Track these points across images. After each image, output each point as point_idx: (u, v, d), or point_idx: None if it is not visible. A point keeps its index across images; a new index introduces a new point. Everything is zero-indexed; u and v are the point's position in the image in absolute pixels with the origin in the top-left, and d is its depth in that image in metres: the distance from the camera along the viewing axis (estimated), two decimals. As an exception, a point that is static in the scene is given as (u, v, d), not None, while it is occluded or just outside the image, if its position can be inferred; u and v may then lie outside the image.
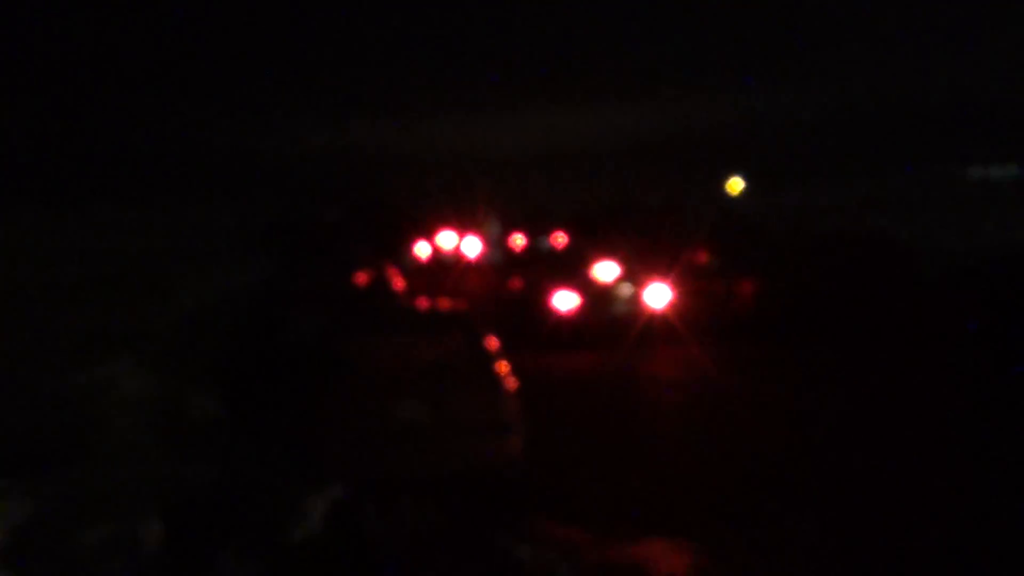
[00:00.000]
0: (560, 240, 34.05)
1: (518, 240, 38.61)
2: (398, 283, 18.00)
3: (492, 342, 9.52)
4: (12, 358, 15.11)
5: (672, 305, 19.28)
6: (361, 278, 17.41)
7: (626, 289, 19.34)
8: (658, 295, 19.28)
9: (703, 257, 23.35)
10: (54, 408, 11.73)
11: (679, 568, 7.62)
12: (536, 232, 37.68)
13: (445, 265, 36.02)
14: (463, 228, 40.08)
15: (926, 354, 17.48)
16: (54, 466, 9.90)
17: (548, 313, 19.16)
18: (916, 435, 12.02)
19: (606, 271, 19.59)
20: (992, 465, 10.43)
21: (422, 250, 35.98)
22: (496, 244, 39.56)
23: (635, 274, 19.54)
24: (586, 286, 19.34)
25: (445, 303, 12.66)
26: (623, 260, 19.93)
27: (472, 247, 38.80)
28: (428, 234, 37.80)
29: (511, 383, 9.21)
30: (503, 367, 9.29)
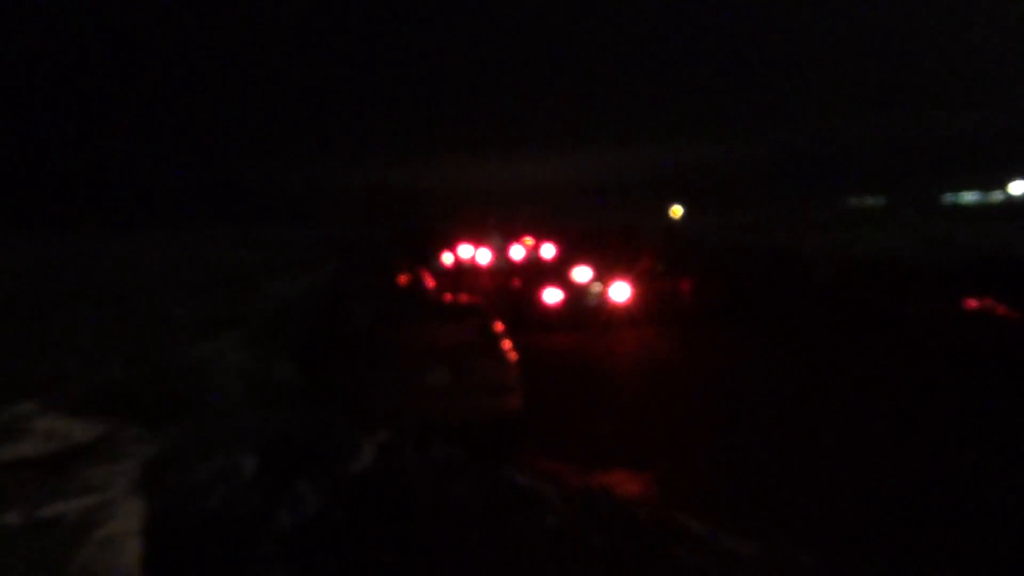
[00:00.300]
0: (549, 251, 33.94)
1: (517, 251, 38.64)
2: (429, 283, 17.96)
3: (499, 326, 9.51)
4: (147, 337, 15.08)
5: (631, 299, 19.33)
6: (401, 279, 17.39)
7: (596, 287, 19.36)
8: (620, 291, 19.32)
9: (653, 263, 23.38)
10: (178, 374, 11.70)
11: (635, 489, 7.59)
12: (532, 245, 37.72)
13: (464, 270, 36.04)
14: (477, 242, 40.14)
15: (815, 332, 17.58)
16: (177, 417, 9.87)
17: (540, 305, 19.18)
18: (807, 382, 12.16)
19: (582, 274, 19.62)
20: (854, 396, 10.46)
21: (446, 259, 35.96)
22: (501, 254, 39.61)
23: (603, 276, 19.56)
24: (567, 285, 19.37)
25: (464, 298, 12.61)
26: (594, 266, 19.94)
27: (484, 256, 38.86)
28: (451, 247, 37.84)
29: (513, 356, 9.20)
30: (507, 344, 9.27)
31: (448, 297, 15.62)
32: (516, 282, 22.89)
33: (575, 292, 19.22)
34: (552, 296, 19.12)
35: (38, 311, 17.45)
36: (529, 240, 38.49)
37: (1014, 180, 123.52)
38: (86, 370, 12.19)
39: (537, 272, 21.65)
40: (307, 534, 6.47)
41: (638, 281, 20.01)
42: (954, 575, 5.52)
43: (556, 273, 20.17)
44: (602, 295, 19.21)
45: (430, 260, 32.83)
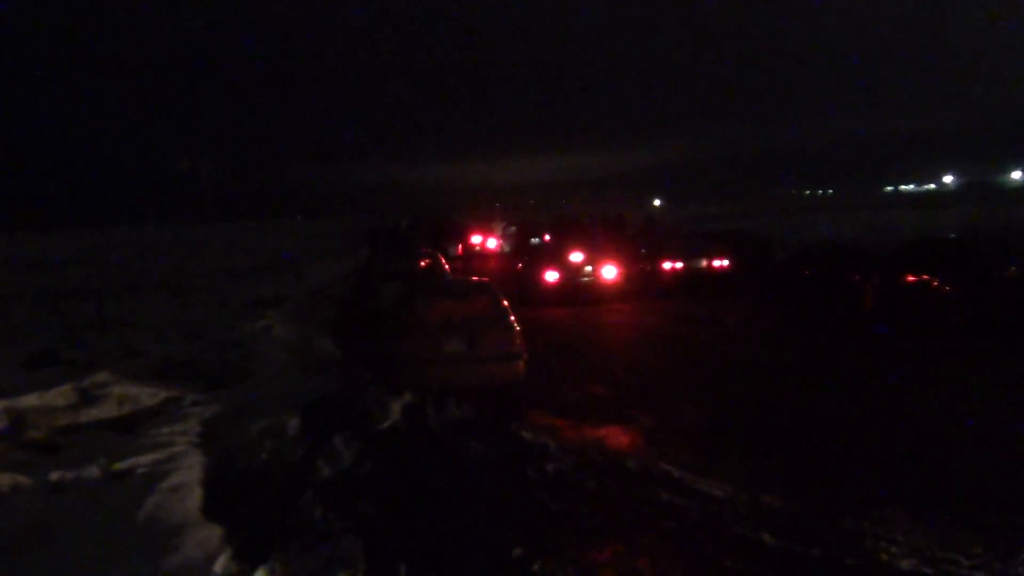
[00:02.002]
0: (547, 238, 33.88)
1: (519, 238, 38.63)
2: (445, 266, 17.91)
3: (505, 302, 9.46)
4: (207, 315, 15.09)
5: (618, 277, 19.29)
6: (423, 262, 17.34)
7: (589, 268, 19.28)
8: (609, 272, 19.27)
9: (637, 247, 23.30)
10: (230, 347, 11.71)
11: (624, 442, 7.56)
12: (531, 233, 37.68)
13: (474, 255, 36.03)
14: (485, 231, 40.10)
15: (776, 303, 17.58)
16: (230, 383, 9.87)
17: (540, 283, 19.13)
18: (771, 344, 12.09)
19: (577, 257, 19.52)
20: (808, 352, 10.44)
21: (460, 245, 35.95)
22: (506, 241, 39.57)
23: (595, 258, 19.49)
24: (564, 266, 19.28)
25: (475, 278, 12.56)
26: (587, 250, 19.87)
27: (492, 243, 38.82)
28: (464, 235, 37.80)
29: (518, 327, 9.15)
30: (513, 317, 9.23)
31: (462, 277, 15.61)
32: (519, 264, 22.82)
33: (570, 272, 19.16)
34: (551, 276, 19.07)
35: (111, 295, 17.46)
36: (529, 228, 38.48)
37: (946, 173, 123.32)
38: (152, 344, 12.20)
39: (537, 256, 21.54)
40: (343, 483, 6.47)
41: (624, 263, 19.99)
42: (903, 506, 5.49)
43: (554, 256, 20.07)
44: (593, 275, 19.16)
45: (445, 246, 32.83)
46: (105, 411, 8.57)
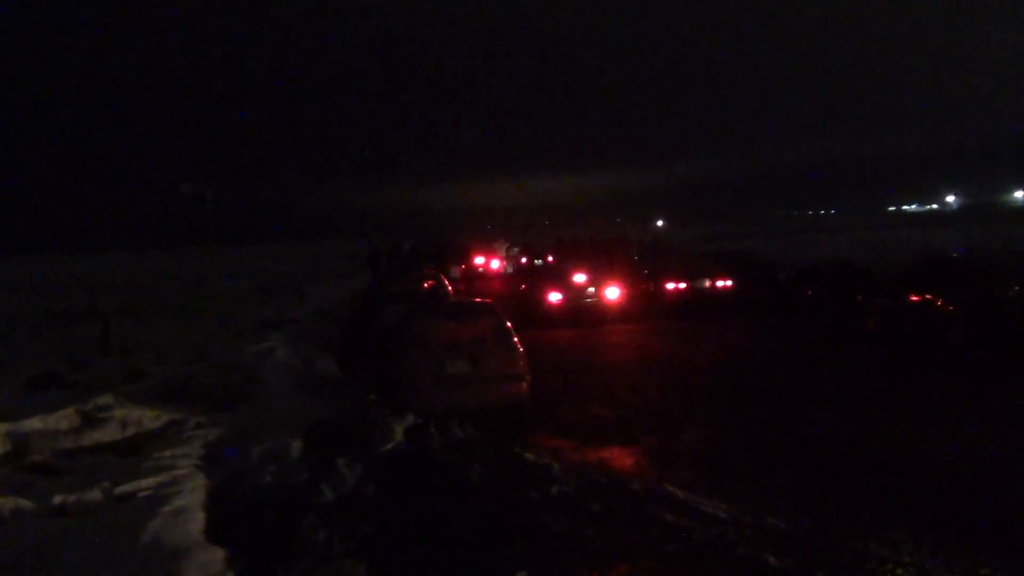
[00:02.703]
0: (550, 259, 33.91)
1: (523, 259, 38.69)
2: (448, 287, 17.93)
3: (509, 323, 9.47)
4: (209, 337, 15.09)
5: (621, 298, 19.28)
6: (426, 284, 17.35)
7: (592, 289, 19.28)
8: (612, 293, 19.27)
9: (639, 268, 23.31)
10: (235, 369, 11.71)
11: (627, 463, 7.54)
12: (535, 255, 37.75)
13: (477, 276, 36.05)
14: (489, 253, 40.15)
15: (781, 323, 17.53)
16: (234, 405, 9.87)
17: (544, 304, 19.14)
18: (776, 365, 12.06)
19: (580, 278, 19.53)
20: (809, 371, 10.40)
21: (463, 267, 35.95)
22: (509, 263, 39.65)
23: (598, 279, 19.49)
24: (567, 287, 19.29)
25: (479, 299, 12.57)
26: (590, 271, 19.88)
27: (495, 264, 38.88)
28: (467, 257, 37.85)
29: (521, 348, 9.15)
30: (516, 339, 9.23)
31: (465, 299, 15.62)
32: (523, 286, 22.85)
33: (574, 293, 19.16)
34: (554, 297, 19.07)
35: (115, 318, 17.49)
36: (533, 251, 38.56)
37: (948, 193, 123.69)
38: (155, 367, 12.21)
39: (540, 277, 21.56)
40: (346, 505, 6.45)
41: (627, 284, 19.99)
42: (908, 527, 5.47)
43: (557, 277, 20.09)
44: (596, 296, 19.16)
45: (448, 268, 32.85)
46: (108, 434, 8.57)
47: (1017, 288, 13.09)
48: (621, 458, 7.67)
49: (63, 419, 8.66)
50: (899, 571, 4.87)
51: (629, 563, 5.18)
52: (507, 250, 42.66)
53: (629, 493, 6.53)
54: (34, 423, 8.37)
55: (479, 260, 38.14)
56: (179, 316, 20.12)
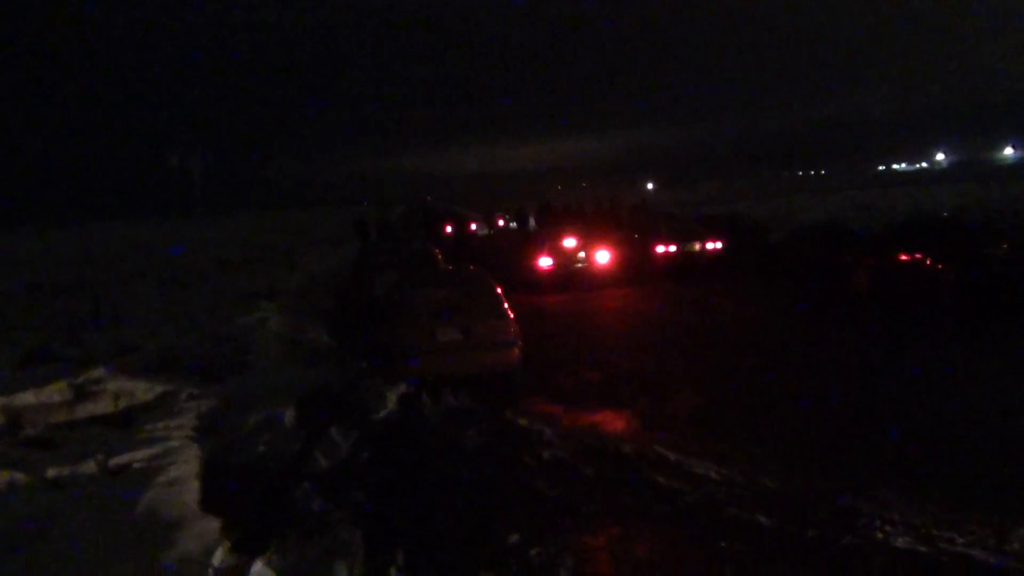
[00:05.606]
0: (540, 222, 33.78)
1: (514, 226, 38.60)
2: (438, 255, 17.86)
3: (499, 289, 9.44)
4: (202, 309, 15.03)
5: (611, 263, 19.24)
6: (416, 251, 17.26)
7: (582, 254, 19.22)
8: (602, 257, 19.23)
9: (629, 232, 23.26)
10: (227, 339, 11.68)
11: (620, 427, 7.58)
12: (524, 220, 37.61)
13: (467, 243, 35.93)
14: (479, 219, 40.04)
15: (773, 285, 17.58)
16: (228, 375, 9.86)
17: (534, 270, 19.10)
18: (767, 326, 12.08)
19: (570, 242, 19.45)
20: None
21: (453, 233, 35.82)
22: (501, 228, 39.59)
23: (588, 244, 19.43)
24: (558, 253, 19.21)
25: (469, 266, 12.52)
26: (580, 235, 19.81)
27: (485, 230, 38.78)
28: (456, 223, 37.69)
29: (512, 315, 9.14)
30: (507, 305, 9.21)
31: (455, 266, 15.57)
32: (514, 251, 22.76)
33: (564, 258, 19.10)
34: (544, 262, 19.01)
35: (105, 290, 17.38)
36: (525, 216, 38.42)
37: (938, 152, 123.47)
38: (147, 339, 12.17)
39: (531, 242, 21.48)
40: (341, 473, 6.48)
41: (617, 247, 19.93)
42: (898, 487, 5.52)
43: (547, 242, 20.02)
44: (587, 260, 19.11)
45: (439, 235, 32.71)
46: (101, 407, 8.55)
47: (1007, 246, 13.17)
48: (613, 422, 7.72)
49: (55, 393, 8.63)
50: (888, 528, 4.92)
51: (621, 525, 5.23)
52: (497, 216, 42.56)
53: (621, 456, 6.57)
54: (27, 397, 8.35)
55: (469, 227, 38.01)
56: (170, 288, 20.02)
